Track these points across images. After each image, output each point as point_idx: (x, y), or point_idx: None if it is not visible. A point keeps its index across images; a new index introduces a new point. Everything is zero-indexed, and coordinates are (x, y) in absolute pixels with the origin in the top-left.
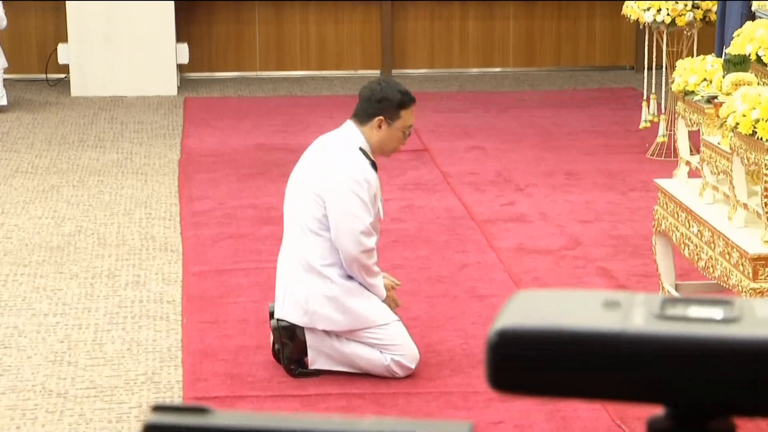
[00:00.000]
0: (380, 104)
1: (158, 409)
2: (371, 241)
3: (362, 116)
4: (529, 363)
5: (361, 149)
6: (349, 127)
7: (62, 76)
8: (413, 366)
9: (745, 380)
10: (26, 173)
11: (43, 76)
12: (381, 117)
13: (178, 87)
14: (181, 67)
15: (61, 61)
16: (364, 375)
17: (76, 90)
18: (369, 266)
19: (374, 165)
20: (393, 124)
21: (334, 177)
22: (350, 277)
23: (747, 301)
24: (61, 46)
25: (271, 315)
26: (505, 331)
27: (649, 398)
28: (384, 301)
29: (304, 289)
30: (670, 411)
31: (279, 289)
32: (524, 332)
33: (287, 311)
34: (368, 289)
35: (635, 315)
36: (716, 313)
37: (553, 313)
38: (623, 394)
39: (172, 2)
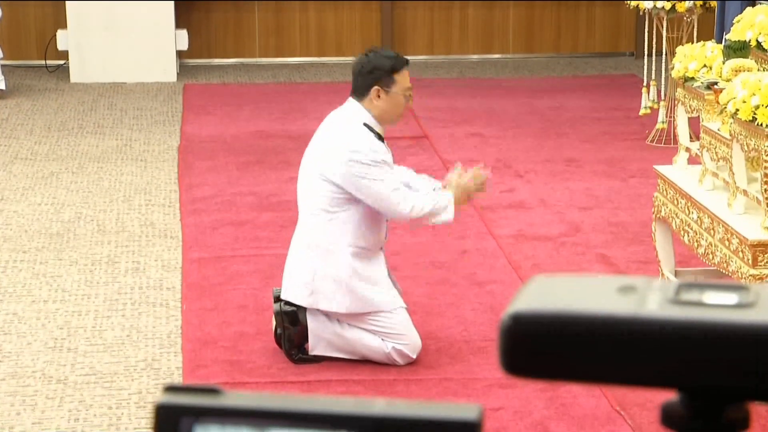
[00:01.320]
0: (372, 74)
1: (169, 389)
2: (407, 203)
3: (359, 90)
4: (542, 347)
5: (365, 125)
6: (351, 104)
7: (61, 62)
8: (414, 356)
9: (760, 365)
10: (25, 160)
11: (42, 62)
12: (377, 87)
13: (178, 73)
14: (180, 54)
15: (60, 47)
16: (364, 362)
17: (75, 76)
18: (428, 213)
19: (381, 138)
20: (390, 91)
21: (340, 158)
22: (358, 259)
23: (763, 286)
24: (60, 33)
25: (275, 299)
26: (519, 314)
27: (663, 383)
28: (467, 192)
29: (311, 269)
30: (684, 396)
31: (286, 269)
32: (538, 316)
33: (292, 291)
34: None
35: (650, 300)
36: (731, 298)
37: (567, 297)
38: (637, 378)
39: None
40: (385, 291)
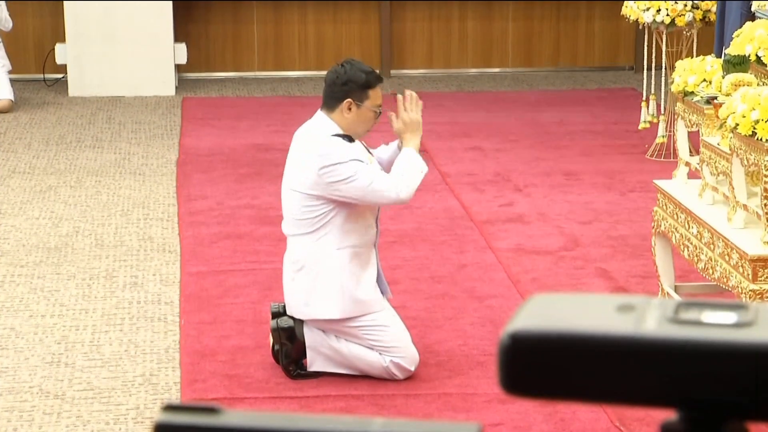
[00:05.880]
0: (346, 86)
1: (168, 408)
2: (391, 188)
3: (330, 102)
4: (541, 366)
5: (335, 135)
6: (320, 116)
7: (60, 76)
8: (413, 368)
9: (759, 384)
10: (23, 173)
11: (41, 76)
12: (349, 99)
13: (176, 87)
14: (179, 67)
15: (58, 61)
16: (363, 376)
17: (73, 90)
18: (412, 184)
19: (351, 139)
20: (362, 105)
21: (312, 169)
22: (349, 259)
23: (762, 305)
24: (58, 46)
25: (273, 315)
26: (518, 333)
27: (662, 402)
28: (417, 125)
29: (304, 286)
30: (683, 415)
31: (283, 282)
32: (536, 335)
33: (289, 306)
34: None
35: (648, 319)
36: (730, 317)
37: (565, 316)
38: (636, 397)
39: (170, 2)
40: (374, 293)
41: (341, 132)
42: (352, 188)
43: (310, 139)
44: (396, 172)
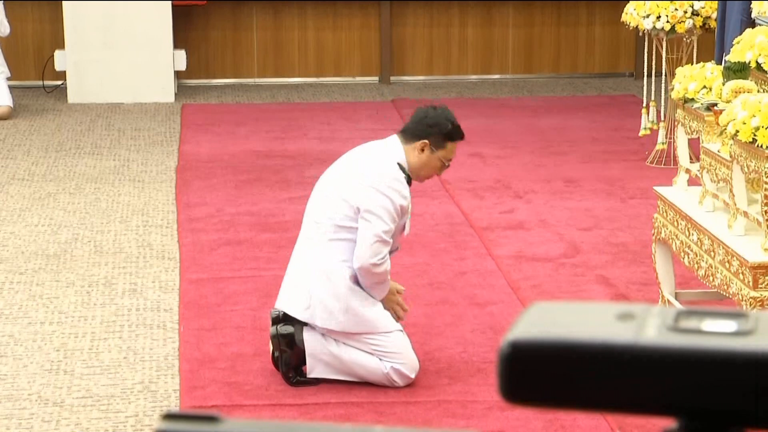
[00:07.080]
0: (430, 128)
1: (168, 416)
2: (379, 255)
3: (409, 135)
4: (541, 374)
5: (399, 164)
6: (394, 141)
7: (59, 82)
8: (413, 375)
9: (759, 392)
10: (23, 180)
11: (40, 82)
12: (426, 141)
13: (176, 93)
14: (178, 74)
15: (58, 67)
16: (363, 383)
17: (73, 97)
18: (376, 279)
19: (409, 180)
20: (436, 152)
21: (365, 183)
22: (349, 281)
23: (761, 314)
24: (58, 53)
25: (273, 322)
26: (518, 342)
27: (661, 411)
28: (387, 306)
29: (308, 288)
30: (682, 423)
31: (284, 285)
32: (536, 343)
33: (289, 303)
34: (369, 292)
35: (648, 327)
36: (730, 325)
37: (565, 325)
38: (636, 406)
39: (170, 8)
40: (382, 312)
41: (406, 165)
42: (371, 219)
43: (376, 156)
44: (385, 274)
